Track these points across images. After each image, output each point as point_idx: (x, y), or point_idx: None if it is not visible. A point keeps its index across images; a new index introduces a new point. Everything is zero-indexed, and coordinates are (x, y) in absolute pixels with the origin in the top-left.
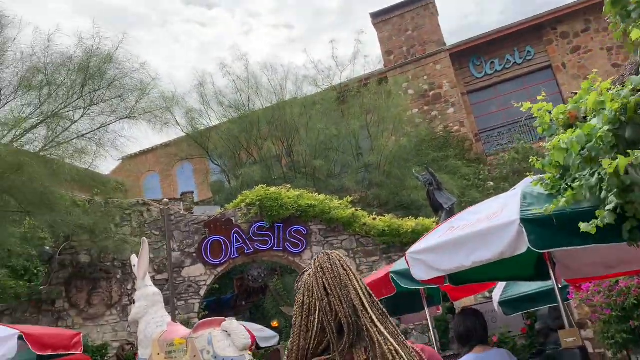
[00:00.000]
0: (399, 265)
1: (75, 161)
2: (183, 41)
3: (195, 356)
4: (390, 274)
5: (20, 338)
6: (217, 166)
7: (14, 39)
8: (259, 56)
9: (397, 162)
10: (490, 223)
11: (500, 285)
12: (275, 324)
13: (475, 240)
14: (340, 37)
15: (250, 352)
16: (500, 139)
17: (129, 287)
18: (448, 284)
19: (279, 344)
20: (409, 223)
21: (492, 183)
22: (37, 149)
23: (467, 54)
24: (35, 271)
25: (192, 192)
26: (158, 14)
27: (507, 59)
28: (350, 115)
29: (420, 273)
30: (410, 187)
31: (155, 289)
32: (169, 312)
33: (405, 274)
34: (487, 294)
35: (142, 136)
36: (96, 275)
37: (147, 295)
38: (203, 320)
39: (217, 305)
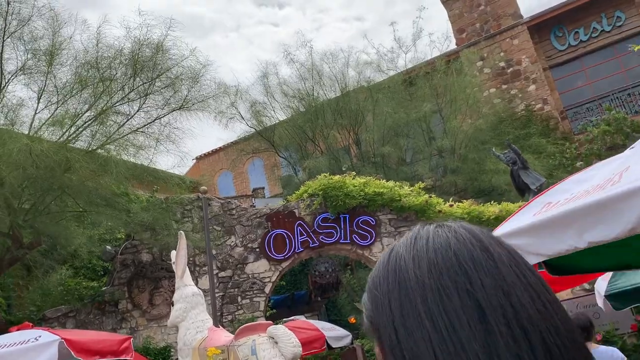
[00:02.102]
0: None
1: (132, 157)
2: (257, 43)
3: None
4: None
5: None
6: (284, 159)
7: (71, 37)
8: (328, 48)
9: (473, 145)
10: (608, 192)
11: (605, 275)
12: (352, 320)
13: (589, 215)
14: (410, 24)
15: None
16: (589, 115)
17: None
18: (542, 270)
19: (352, 342)
20: (492, 209)
21: (581, 163)
22: (93, 146)
23: (548, 25)
24: (101, 272)
25: (263, 188)
26: (232, 18)
27: (594, 27)
28: (419, 98)
29: None
30: (490, 171)
31: (195, 289)
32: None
33: None
34: (586, 286)
35: (211, 133)
36: (158, 274)
37: (186, 297)
38: (246, 324)
39: (291, 301)
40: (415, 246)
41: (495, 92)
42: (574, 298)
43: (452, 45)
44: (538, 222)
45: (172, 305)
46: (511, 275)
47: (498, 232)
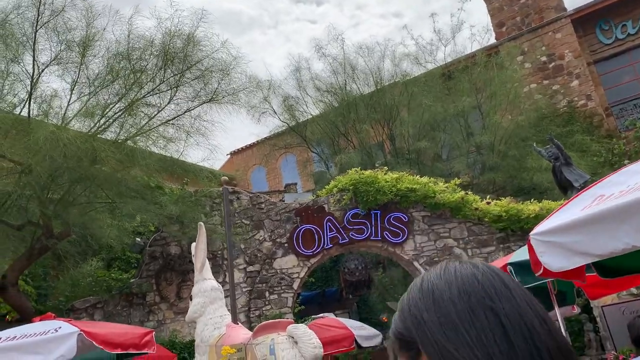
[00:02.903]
0: (520, 255)
1: (162, 149)
2: (294, 40)
3: None
4: (508, 267)
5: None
6: (317, 154)
7: (104, 29)
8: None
9: (513, 141)
10: None
11: None
12: (384, 319)
13: None
14: (452, 24)
15: None
16: (637, 112)
17: (220, 279)
18: (593, 275)
19: (382, 342)
20: (532, 207)
21: (627, 161)
22: (122, 138)
23: (593, 18)
24: (134, 264)
25: (295, 184)
26: (270, 15)
27: None
28: (457, 93)
29: (557, 261)
30: (531, 169)
31: (215, 283)
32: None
33: (528, 265)
34: (634, 291)
35: (244, 128)
36: (186, 267)
37: (205, 291)
38: (265, 322)
39: (322, 298)
40: (445, 274)
41: (536, 88)
42: (619, 303)
43: (492, 39)
44: (588, 217)
45: (191, 300)
46: (523, 302)
47: (541, 228)
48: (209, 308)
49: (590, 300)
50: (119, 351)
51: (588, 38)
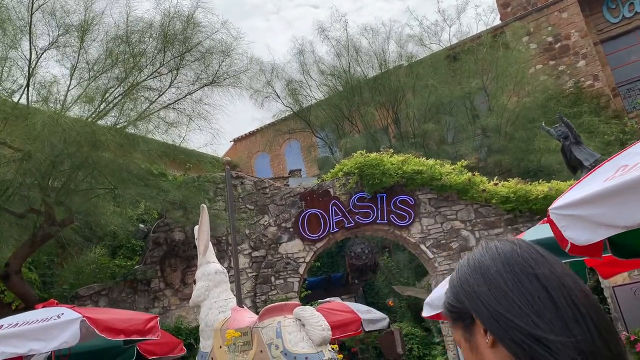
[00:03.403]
0: (531, 234)
1: (164, 134)
2: (297, 25)
3: (262, 351)
4: None
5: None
6: (321, 139)
7: (103, 13)
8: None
9: (520, 123)
10: None
11: None
12: (390, 303)
13: None
14: (456, 4)
15: (333, 348)
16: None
17: (225, 265)
18: (608, 255)
19: (389, 326)
20: (540, 187)
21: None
22: (123, 123)
23: None
24: (139, 251)
25: (300, 170)
26: (273, 1)
27: None
28: (463, 74)
29: (581, 234)
30: (539, 150)
31: (219, 266)
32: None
33: (542, 244)
34: None
35: (247, 115)
36: (190, 252)
37: (209, 274)
38: (271, 305)
39: (328, 283)
40: (489, 252)
41: (543, 69)
42: (631, 283)
43: (498, 20)
44: (613, 188)
45: (194, 284)
46: (560, 268)
47: (560, 202)
48: (213, 292)
49: (600, 281)
50: (122, 337)
51: (594, 17)
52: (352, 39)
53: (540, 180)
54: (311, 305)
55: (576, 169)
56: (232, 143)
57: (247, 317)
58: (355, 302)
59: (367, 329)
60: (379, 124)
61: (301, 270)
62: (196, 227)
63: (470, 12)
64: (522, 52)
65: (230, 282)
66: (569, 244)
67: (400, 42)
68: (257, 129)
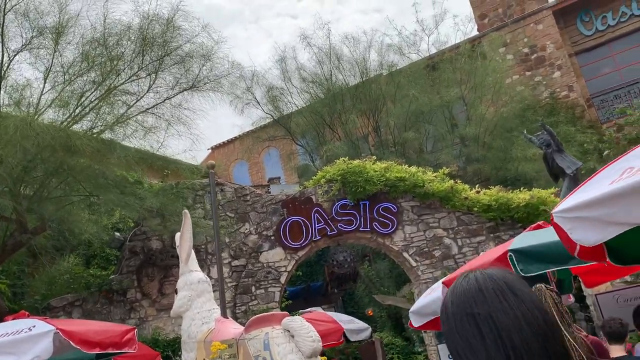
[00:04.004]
0: (521, 241)
1: (142, 139)
2: (276, 35)
3: None
4: (510, 254)
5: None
6: (301, 147)
7: (78, 14)
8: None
9: (498, 132)
10: None
11: None
12: (370, 312)
13: None
14: (434, 14)
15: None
16: (617, 103)
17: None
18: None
19: (371, 336)
20: (522, 196)
21: (608, 152)
22: (100, 127)
23: (574, 10)
24: (114, 261)
25: (279, 178)
26: (251, 10)
27: (623, 12)
28: (442, 83)
29: (590, 235)
30: (517, 159)
31: (202, 275)
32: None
33: (531, 253)
34: (628, 279)
35: (226, 121)
36: (168, 262)
37: (192, 283)
38: (258, 315)
39: (307, 293)
40: (452, 291)
41: (519, 79)
42: (613, 291)
43: (475, 31)
44: (621, 189)
45: (176, 294)
46: (499, 303)
47: (563, 206)
48: (196, 302)
49: (583, 289)
50: (97, 351)
51: (569, 29)
52: (334, 47)
53: (522, 189)
54: (293, 315)
55: (558, 177)
56: (210, 151)
57: (232, 328)
58: (335, 311)
59: (350, 339)
60: (360, 132)
61: (282, 279)
62: (177, 234)
63: (448, 22)
64: (499, 63)
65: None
66: (578, 247)
67: (380, 51)
68: (235, 137)
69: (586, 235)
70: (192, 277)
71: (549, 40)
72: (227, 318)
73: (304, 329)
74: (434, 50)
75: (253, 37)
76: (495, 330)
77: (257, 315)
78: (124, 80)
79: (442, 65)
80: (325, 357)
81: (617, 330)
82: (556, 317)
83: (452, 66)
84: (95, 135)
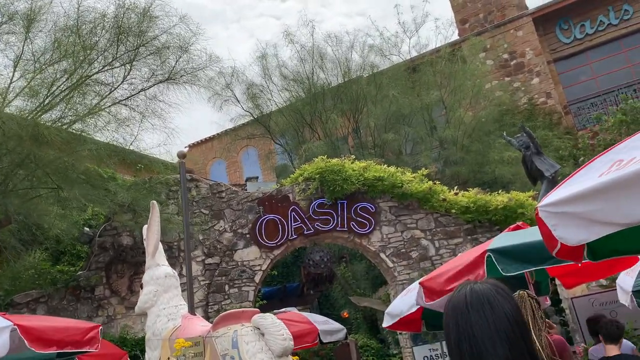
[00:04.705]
0: (500, 241)
1: (114, 132)
2: (258, 35)
3: None
4: (488, 254)
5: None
6: (280, 146)
7: (51, 1)
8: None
9: (476, 135)
10: None
11: (630, 270)
12: (345, 314)
13: None
14: (415, 17)
15: (294, 359)
16: (593, 111)
17: (176, 272)
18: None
19: (346, 337)
20: (500, 198)
21: (583, 158)
22: (71, 118)
23: (553, 18)
24: (82, 256)
25: (257, 177)
26: (234, 10)
27: (601, 21)
28: (422, 85)
29: (574, 233)
30: (494, 162)
31: (169, 269)
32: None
33: (510, 253)
34: (604, 282)
35: (204, 117)
36: (139, 258)
37: (158, 278)
38: (227, 312)
39: (283, 293)
40: (451, 298)
41: (498, 85)
42: (589, 294)
43: (456, 35)
44: (610, 182)
45: (141, 288)
46: (477, 314)
47: (550, 199)
48: (162, 297)
49: (559, 292)
50: (54, 350)
51: (548, 37)
52: (317, 45)
53: (499, 191)
54: None
55: (537, 179)
56: (188, 148)
57: (200, 325)
58: (311, 312)
59: (324, 340)
60: (340, 133)
61: (257, 278)
62: (145, 227)
63: (429, 25)
64: (478, 67)
65: (183, 290)
66: (559, 245)
67: (363, 52)
68: (214, 135)
69: (570, 234)
70: (159, 272)
71: (529, 47)
72: (195, 315)
73: (275, 327)
74: (415, 54)
75: (235, 36)
76: (471, 336)
77: (225, 312)
78: (97, 70)
79: (423, 67)
80: (297, 357)
81: (614, 331)
82: (530, 321)
83: (433, 69)
84: (64, 127)
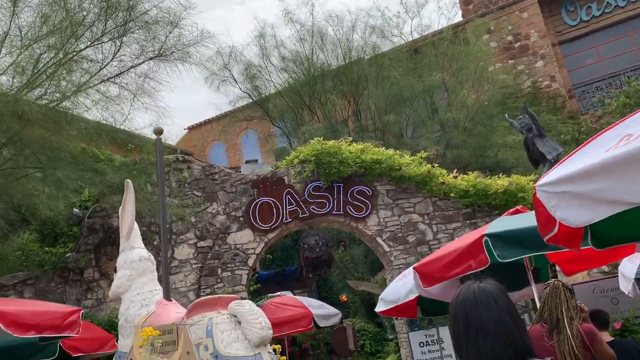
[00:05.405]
0: (498, 225)
1: (104, 111)
2: (262, 17)
3: (189, 353)
4: (485, 239)
5: None
6: (279, 128)
7: None
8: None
9: (479, 118)
10: None
11: (633, 257)
12: (344, 298)
13: None
14: None
15: (275, 349)
16: (599, 95)
17: (168, 255)
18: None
19: (342, 321)
20: (500, 182)
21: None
22: (57, 97)
23: None
24: (74, 237)
25: (256, 160)
26: None
27: (607, 2)
28: (424, 67)
29: (577, 214)
30: (497, 145)
31: (144, 252)
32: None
33: (508, 237)
34: (605, 269)
35: (202, 98)
36: None
37: (132, 261)
38: (203, 298)
39: (281, 277)
40: (459, 294)
41: (502, 67)
42: (590, 281)
43: (459, 17)
44: (618, 158)
45: (115, 272)
46: (484, 308)
47: (549, 178)
48: (136, 282)
49: (559, 279)
50: (32, 334)
51: (553, 19)
52: (317, 25)
53: (501, 175)
54: (261, 299)
55: (538, 162)
56: (187, 131)
57: (175, 312)
58: (309, 296)
59: (320, 325)
60: (340, 116)
61: (250, 262)
62: (121, 208)
63: (432, 6)
64: (482, 49)
65: (174, 273)
66: (556, 228)
67: (364, 33)
68: (213, 117)
69: (573, 215)
70: (133, 255)
71: (533, 29)
72: (171, 301)
73: (252, 315)
74: (416, 35)
75: (238, 18)
76: (478, 325)
77: (200, 299)
78: (85, 45)
79: (425, 49)
80: (279, 346)
81: (605, 318)
82: (563, 311)
83: (435, 51)
84: (52, 104)
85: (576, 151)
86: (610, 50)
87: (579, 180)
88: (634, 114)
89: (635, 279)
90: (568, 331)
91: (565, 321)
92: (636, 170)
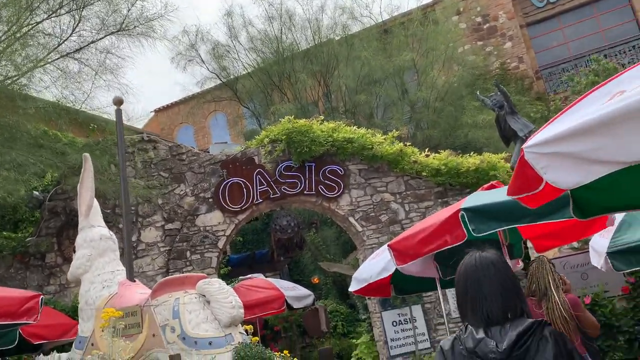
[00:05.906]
0: (473, 200)
1: (63, 89)
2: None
3: (154, 335)
4: (462, 213)
5: None
6: (248, 109)
7: None
8: None
9: (449, 99)
10: None
11: (604, 232)
12: (315, 280)
13: None
14: None
15: (247, 329)
16: (564, 76)
17: (134, 239)
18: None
19: (314, 303)
20: (472, 160)
21: None
22: (10, 71)
23: None
24: (29, 222)
25: (225, 143)
26: None
27: None
28: (394, 47)
29: (569, 175)
30: (467, 125)
31: (105, 231)
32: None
33: (485, 212)
34: (575, 245)
35: (170, 79)
36: None
37: (92, 240)
38: (169, 277)
39: (252, 260)
40: (464, 261)
41: (471, 48)
42: (561, 257)
43: None
44: (612, 114)
45: (74, 252)
46: (482, 274)
47: (538, 138)
48: (96, 262)
49: (530, 255)
50: None
51: (522, 0)
52: (286, 4)
53: (472, 153)
54: (232, 282)
55: (510, 140)
56: (153, 113)
57: (139, 293)
58: (281, 279)
59: (293, 306)
60: (310, 97)
61: (220, 244)
62: (79, 186)
63: None
64: (451, 30)
65: (143, 256)
66: (543, 185)
67: (334, 13)
68: (180, 99)
69: (564, 176)
70: (93, 233)
71: (502, 10)
72: (135, 281)
73: (222, 294)
74: (386, 16)
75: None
76: (478, 288)
77: (166, 278)
78: (41, 19)
79: (395, 29)
80: (251, 327)
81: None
82: (550, 280)
83: (405, 32)
84: (4, 81)
85: (565, 111)
86: (576, 32)
87: (569, 140)
88: (626, 70)
89: (607, 253)
90: (556, 297)
91: (553, 289)
92: (630, 127)
